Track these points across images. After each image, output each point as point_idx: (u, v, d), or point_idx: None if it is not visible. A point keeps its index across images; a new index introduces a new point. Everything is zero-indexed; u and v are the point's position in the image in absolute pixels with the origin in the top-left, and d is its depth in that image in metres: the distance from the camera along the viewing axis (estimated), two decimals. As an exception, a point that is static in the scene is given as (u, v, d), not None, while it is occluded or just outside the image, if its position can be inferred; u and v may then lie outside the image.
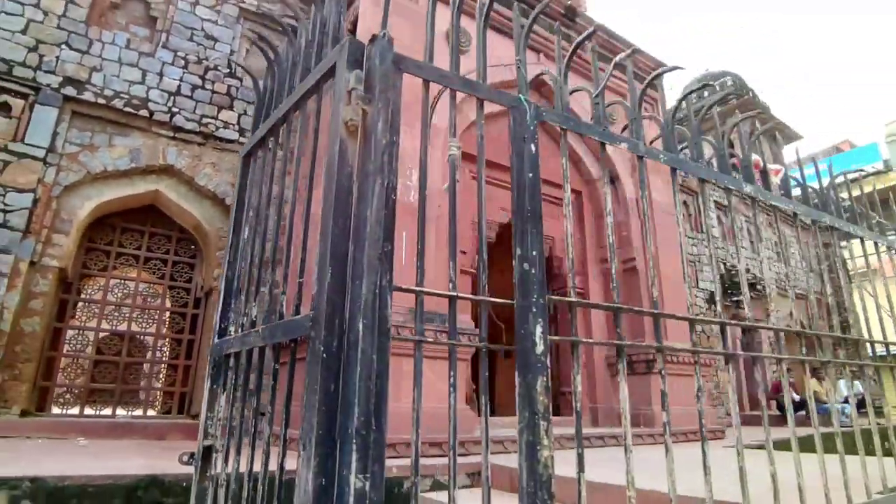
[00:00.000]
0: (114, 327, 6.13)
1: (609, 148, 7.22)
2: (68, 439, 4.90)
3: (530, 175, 1.55)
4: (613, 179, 7.92)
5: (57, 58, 5.59)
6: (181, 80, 6.21)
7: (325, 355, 1.21)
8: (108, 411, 5.83)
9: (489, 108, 6.66)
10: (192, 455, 1.90)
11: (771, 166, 3.70)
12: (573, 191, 7.92)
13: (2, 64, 5.30)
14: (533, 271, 1.46)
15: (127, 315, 6.10)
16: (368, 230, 1.27)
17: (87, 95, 5.64)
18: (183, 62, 6.30)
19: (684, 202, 12.22)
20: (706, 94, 17.17)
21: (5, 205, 5.03)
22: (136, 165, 5.83)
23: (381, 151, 1.34)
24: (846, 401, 8.53)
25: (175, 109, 6.08)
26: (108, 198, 5.75)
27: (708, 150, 2.28)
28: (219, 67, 6.52)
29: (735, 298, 11.87)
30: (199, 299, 6.38)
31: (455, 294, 1.45)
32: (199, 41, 6.48)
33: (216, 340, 1.98)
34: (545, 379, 1.39)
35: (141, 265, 6.23)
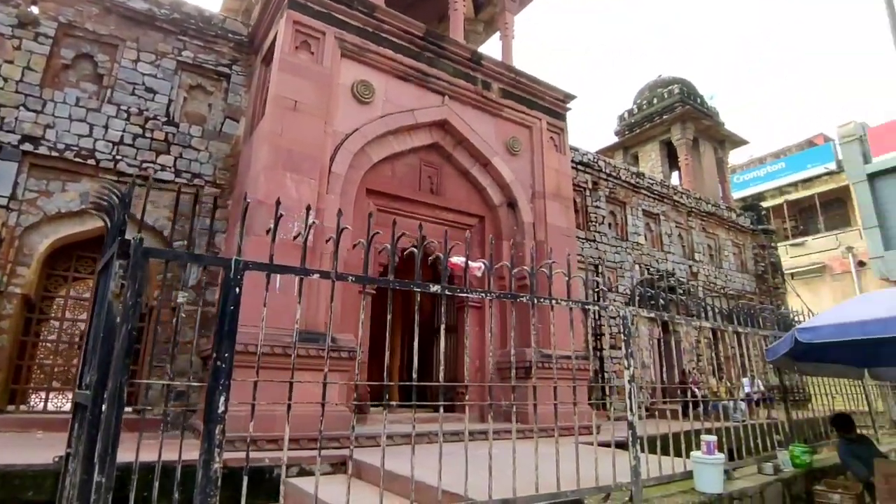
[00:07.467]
0: (71, 339, 7.38)
1: (509, 177, 8.70)
2: (30, 433, 6.16)
3: (231, 308, 2.72)
4: (513, 205, 9.07)
5: (16, 118, 6.72)
6: (124, 130, 7.34)
7: (90, 417, 2.41)
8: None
9: (395, 148, 8.56)
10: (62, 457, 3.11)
11: (473, 263, 4.71)
12: (476, 216, 9.09)
13: (-31, 127, 6.45)
14: (223, 366, 2.64)
15: (83, 329, 7.34)
16: (115, 356, 2.46)
17: (43, 149, 6.79)
18: (126, 114, 7.41)
19: (611, 212, 13.39)
20: (655, 101, 18.17)
21: (-26, 246, 6.22)
22: (86, 207, 6.99)
23: (127, 308, 2.51)
24: (748, 396, 9.30)
25: (118, 157, 7.22)
26: (63, 234, 6.93)
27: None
28: (157, 117, 7.63)
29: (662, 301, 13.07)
30: (143, 314, 7.59)
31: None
32: (140, 94, 7.58)
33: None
34: (222, 426, 2.59)
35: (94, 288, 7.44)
